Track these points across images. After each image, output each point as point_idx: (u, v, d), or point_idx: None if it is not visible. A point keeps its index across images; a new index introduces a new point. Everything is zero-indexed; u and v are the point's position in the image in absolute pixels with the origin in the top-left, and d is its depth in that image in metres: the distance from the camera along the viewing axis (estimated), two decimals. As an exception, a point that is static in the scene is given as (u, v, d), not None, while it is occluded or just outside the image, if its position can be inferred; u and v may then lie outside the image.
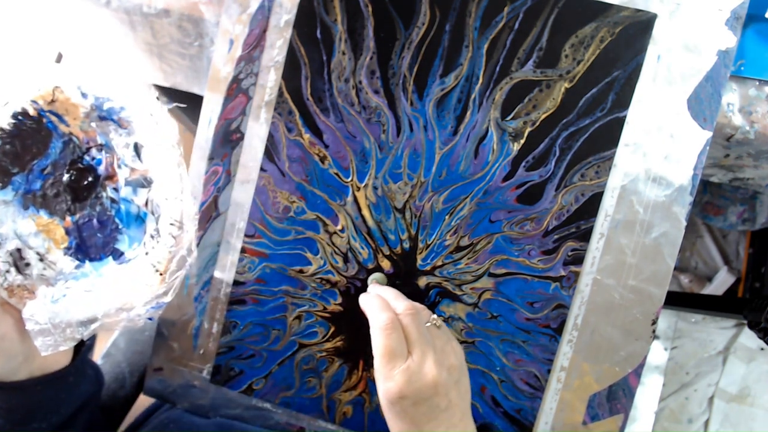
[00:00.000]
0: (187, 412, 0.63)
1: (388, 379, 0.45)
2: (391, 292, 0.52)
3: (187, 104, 0.61)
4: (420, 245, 0.58)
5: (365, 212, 0.58)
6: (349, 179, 0.58)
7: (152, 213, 0.49)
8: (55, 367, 0.51)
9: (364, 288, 0.59)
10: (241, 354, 0.61)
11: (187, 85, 0.78)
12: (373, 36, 0.56)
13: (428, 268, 0.58)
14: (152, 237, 0.49)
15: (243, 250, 0.60)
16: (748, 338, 1.41)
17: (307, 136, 0.58)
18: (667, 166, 0.52)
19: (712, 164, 0.63)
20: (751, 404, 1.40)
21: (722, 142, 0.57)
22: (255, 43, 0.58)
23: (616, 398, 0.55)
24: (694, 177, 0.52)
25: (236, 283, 0.61)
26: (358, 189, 0.58)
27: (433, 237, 0.57)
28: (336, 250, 0.59)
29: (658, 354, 1.43)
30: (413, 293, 0.58)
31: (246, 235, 0.60)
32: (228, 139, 0.59)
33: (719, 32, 0.51)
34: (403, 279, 0.58)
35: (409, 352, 0.46)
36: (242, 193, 0.60)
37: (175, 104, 0.60)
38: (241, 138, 0.59)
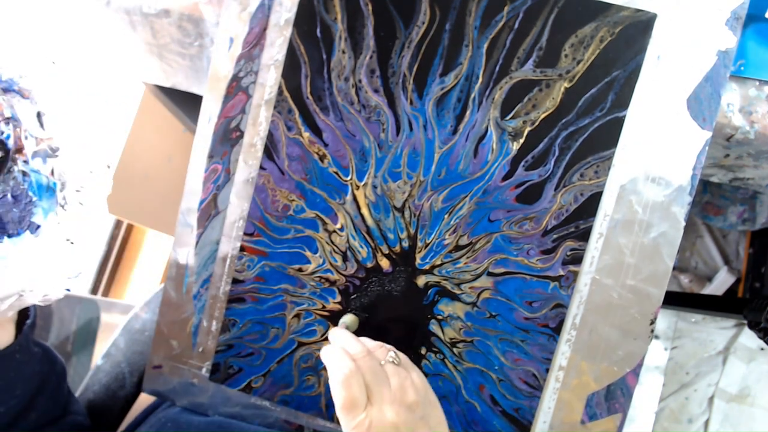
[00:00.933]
0: (186, 410, 0.63)
1: (350, 430, 0.45)
2: (346, 338, 0.50)
3: (187, 104, 0.61)
4: (419, 244, 0.58)
5: (364, 211, 0.58)
6: (349, 178, 0.58)
7: (60, 182, 0.48)
8: None
9: (363, 287, 0.59)
10: (240, 352, 0.62)
11: (187, 84, 0.79)
12: (373, 35, 0.56)
13: (427, 267, 0.58)
14: (62, 206, 0.48)
15: (242, 249, 0.60)
16: (748, 338, 1.41)
17: (306, 134, 0.58)
18: (666, 166, 0.52)
19: (712, 164, 0.63)
20: (751, 404, 1.40)
21: (722, 142, 0.57)
22: (255, 42, 0.58)
23: (614, 398, 0.55)
24: (693, 177, 0.52)
25: (235, 281, 0.61)
26: (358, 188, 0.58)
27: (432, 236, 0.57)
28: (335, 248, 0.59)
29: (658, 354, 1.43)
30: (412, 292, 0.58)
31: (245, 234, 0.60)
32: (227, 137, 0.60)
33: (719, 32, 0.51)
34: (402, 278, 0.58)
35: (369, 398, 0.45)
36: (242, 192, 0.60)
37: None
38: (241, 136, 0.59)
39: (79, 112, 0.49)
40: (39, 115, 0.48)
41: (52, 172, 0.48)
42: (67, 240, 0.48)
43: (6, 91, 0.48)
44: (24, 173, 0.49)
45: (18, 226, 0.48)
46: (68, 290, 0.49)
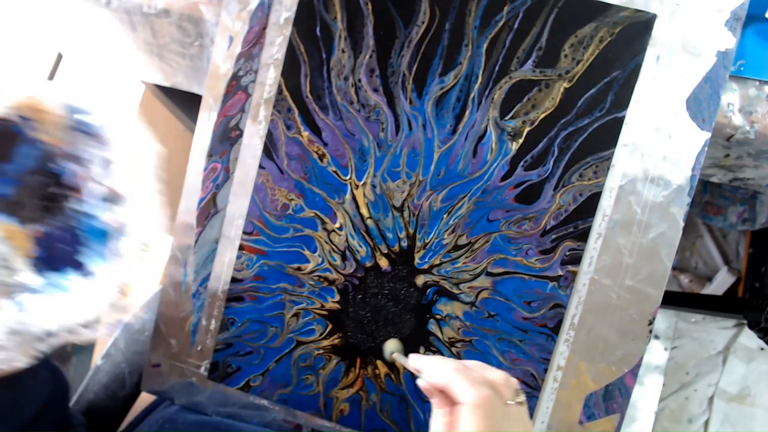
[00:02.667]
0: (184, 409, 0.63)
1: None
2: (476, 363, 0.44)
3: (187, 104, 0.61)
4: (418, 244, 0.58)
5: (363, 210, 0.58)
6: (348, 177, 0.58)
7: (118, 231, 0.48)
8: (7, 369, 0.51)
9: (362, 286, 0.59)
10: (239, 351, 0.62)
11: (188, 84, 0.79)
12: (373, 34, 0.56)
13: (426, 266, 0.58)
14: (117, 255, 0.48)
15: (241, 248, 0.60)
16: (748, 338, 1.41)
17: (306, 133, 0.58)
18: (665, 167, 0.52)
19: (712, 164, 0.63)
20: (751, 404, 1.40)
21: (722, 142, 0.57)
22: (254, 41, 0.58)
23: (612, 398, 0.55)
24: (692, 178, 0.52)
25: (234, 280, 0.61)
26: (357, 187, 0.58)
27: (431, 236, 0.57)
28: (334, 247, 0.59)
29: (658, 354, 1.44)
30: (411, 292, 0.58)
31: (244, 233, 0.60)
32: (227, 136, 0.60)
33: (719, 33, 0.51)
34: (401, 277, 0.58)
35: None
36: (241, 190, 0.60)
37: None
38: (240, 135, 0.59)
39: (147, 167, 0.48)
40: (107, 160, 0.47)
41: (113, 221, 0.48)
42: (118, 289, 0.47)
43: (79, 132, 0.47)
44: (78, 212, 0.48)
45: (62, 263, 0.48)
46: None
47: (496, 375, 0.43)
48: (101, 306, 0.47)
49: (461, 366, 0.42)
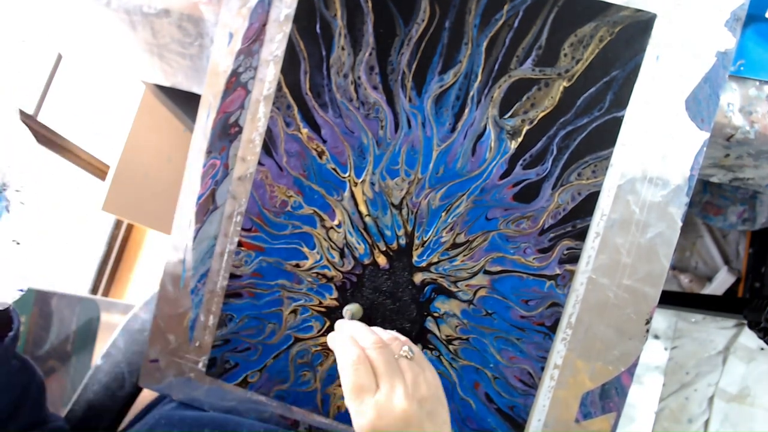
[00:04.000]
0: (181, 406, 0.64)
1: (358, 415, 0.44)
2: (359, 327, 0.50)
3: (187, 104, 0.61)
4: (416, 242, 0.58)
5: (362, 208, 0.58)
6: (347, 175, 0.58)
7: (1, 183, 0.47)
8: None
9: (360, 284, 0.59)
10: (237, 347, 0.62)
11: (188, 84, 0.79)
12: (373, 32, 0.56)
13: (424, 264, 0.58)
14: (5, 207, 0.47)
15: (240, 244, 0.61)
16: (748, 338, 1.41)
17: (305, 130, 0.58)
18: (664, 167, 0.52)
19: (712, 164, 0.63)
20: (751, 404, 1.40)
21: (722, 142, 0.56)
22: (254, 37, 0.58)
23: (608, 397, 0.55)
24: (691, 177, 0.52)
25: (233, 276, 0.61)
26: (356, 184, 0.58)
27: (430, 233, 0.57)
28: (332, 245, 0.59)
29: (658, 354, 1.44)
30: (409, 289, 0.58)
31: (243, 229, 0.60)
32: (226, 133, 0.60)
33: (718, 33, 0.50)
34: (399, 275, 0.58)
35: (378, 386, 0.45)
36: (240, 187, 0.60)
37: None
38: (240, 131, 0.59)
39: (6, 107, 0.47)
40: None
41: None
42: (14, 241, 0.47)
43: None
44: None
45: None
46: (22, 291, 0.48)
47: (385, 335, 0.50)
48: (1, 263, 0.46)
49: (347, 332, 0.50)
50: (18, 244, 0.47)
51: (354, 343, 0.47)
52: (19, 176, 0.47)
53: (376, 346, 0.47)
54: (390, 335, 0.50)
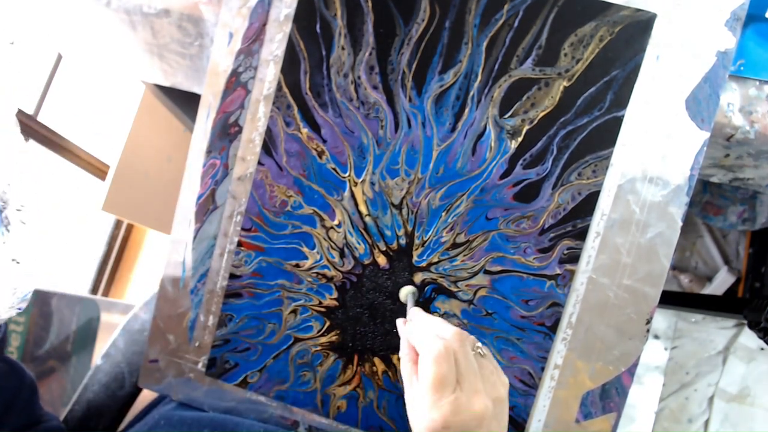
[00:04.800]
0: (180, 407, 0.64)
1: (433, 408, 0.43)
2: (437, 320, 0.49)
3: (187, 104, 0.61)
4: (416, 241, 0.58)
5: (362, 208, 0.58)
6: (347, 174, 0.58)
7: (1, 201, 0.47)
8: None
9: (360, 283, 0.59)
10: (237, 347, 0.62)
11: (188, 84, 0.79)
12: (373, 31, 0.56)
13: (424, 264, 0.58)
14: (5, 226, 0.47)
15: (239, 244, 0.61)
16: (748, 338, 1.41)
17: (305, 130, 0.58)
18: (664, 167, 0.52)
19: (712, 164, 0.63)
20: (751, 404, 1.40)
21: (722, 142, 0.56)
22: (254, 37, 0.58)
23: (609, 397, 0.55)
24: (691, 177, 0.52)
25: (232, 276, 0.61)
26: (356, 184, 0.58)
27: (430, 233, 0.57)
28: (332, 245, 0.59)
29: (658, 354, 1.43)
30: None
31: (243, 229, 0.60)
32: (226, 132, 0.60)
33: (718, 33, 0.50)
34: (399, 275, 0.58)
35: (458, 381, 0.43)
36: (240, 187, 0.60)
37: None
38: (240, 131, 0.59)
39: (8, 129, 0.47)
40: None
41: None
42: (13, 260, 0.47)
43: None
44: None
45: None
46: (20, 309, 0.48)
47: (461, 331, 0.48)
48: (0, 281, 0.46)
49: (426, 325, 0.48)
50: (18, 263, 0.47)
51: (437, 336, 0.46)
52: (19, 195, 0.47)
53: (456, 339, 0.46)
54: (464, 332, 0.49)
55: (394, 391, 0.60)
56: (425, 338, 0.46)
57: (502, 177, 0.55)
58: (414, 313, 0.52)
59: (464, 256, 0.57)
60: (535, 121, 0.54)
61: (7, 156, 0.47)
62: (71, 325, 1.01)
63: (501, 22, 0.54)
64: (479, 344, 0.48)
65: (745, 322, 1.17)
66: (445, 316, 0.58)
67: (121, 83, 1.55)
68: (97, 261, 1.78)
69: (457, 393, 0.43)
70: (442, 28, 0.55)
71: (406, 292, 0.58)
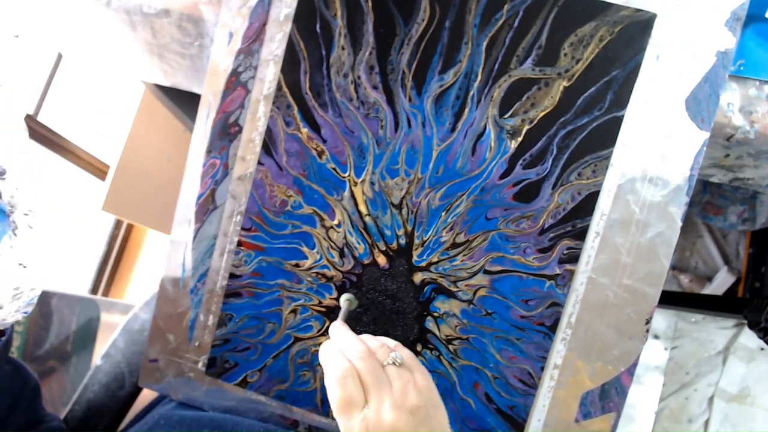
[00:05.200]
0: (180, 406, 0.64)
1: (347, 431, 0.43)
2: (347, 337, 0.48)
3: (187, 104, 0.61)
4: (416, 241, 0.58)
5: (362, 207, 0.58)
6: (347, 174, 0.58)
7: (9, 205, 0.47)
8: None
9: (360, 283, 0.59)
10: (237, 346, 0.62)
11: (188, 84, 0.79)
12: (373, 31, 0.56)
13: (424, 264, 0.58)
14: (13, 231, 0.47)
15: (239, 243, 0.61)
16: (748, 338, 1.41)
17: (305, 130, 0.58)
18: (664, 166, 0.52)
19: (712, 164, 0.63)
20: (751, 404, 1.40)
21: (722, 142, 0.56)
22: (254, 37, 0.58)
23: (608, 397, 0.55)
24: (691, 177, 0.52)
25: (232, 275, 0.61)
26: (355, 184, 0.58)
27: (429, 233, 0.57)
28: (332, 244, 0.59)
29: (658, 354, 1.43)
30: (408, 289, 0.58)
31: (243, 229, 0.60)
32: (226, 132, 0.60)
33: (718, 33, 0.50)
34: (399, 275, 0.58)
35: (366, 399, 0.43)
36: (240, 187, 0.60)
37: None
38: (239, 131, 0.59)
39: (16, 132, 0.47)
40: None
41: (1, 196, 0.47)
42: (20, 264, 0.47)
43: None
44: None
45: None
46: (26, 313, 0.48)
47: (373, 343, 0.48)
48: (7, 285, 0.46)
49: (333, 342, 0.48)
50: (24, 267, 0.47)
51: (341, 355, 0.46)
52: (27, 199, 0.47)
53: (362, 356, 0.45)
54: (378, 342, 0.48)
55: (393, 391, 0.60)
56: (330, 357, 0.46)
57: (502, 177, 0.55)
58: (332, 329, 0.51)
59: (464, 256, 0.57)
60: (535, 121, 0.54)
61: (15, 160, 0.47)
62: (71, 325, 1.01)
63: (501, 22, 0.54)
64: (395, 354, 0.47)
65: (745, 322, 1.18)
66: (445, 316, 0.58)
67: (121, 83, 1.55)
68: (97, 261, 1.78)
69: (365, 411, 0.43)
70: (442, 28, 0.55)
71: (342, 300, 0.57)
